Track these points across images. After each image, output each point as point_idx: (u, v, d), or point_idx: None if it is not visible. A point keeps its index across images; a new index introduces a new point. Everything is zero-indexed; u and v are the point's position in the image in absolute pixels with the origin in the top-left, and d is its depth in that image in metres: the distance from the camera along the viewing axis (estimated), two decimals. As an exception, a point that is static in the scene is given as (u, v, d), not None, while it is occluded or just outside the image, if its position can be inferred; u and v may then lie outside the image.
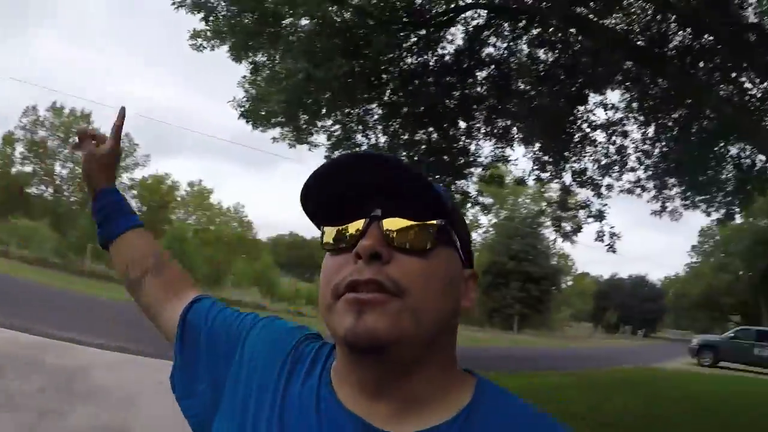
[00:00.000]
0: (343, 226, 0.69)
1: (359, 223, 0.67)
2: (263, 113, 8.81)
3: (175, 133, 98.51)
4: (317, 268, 0.73)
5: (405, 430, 0.66)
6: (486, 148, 10.52)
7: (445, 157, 10.23)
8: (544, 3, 7.98)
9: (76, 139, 1.12)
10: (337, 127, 9.90)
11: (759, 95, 8.27)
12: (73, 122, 42.12)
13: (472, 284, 0.75)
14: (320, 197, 0.71)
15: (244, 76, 9.25)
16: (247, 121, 9.03)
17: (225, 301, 0.98)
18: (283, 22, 8.03)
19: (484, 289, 36.17)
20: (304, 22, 7.76)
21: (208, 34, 8.47)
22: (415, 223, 0.67)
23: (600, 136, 10.32)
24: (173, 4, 8.27)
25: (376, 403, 0.68)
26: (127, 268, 1.04)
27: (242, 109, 9.03)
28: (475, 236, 38.02)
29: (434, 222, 0.67)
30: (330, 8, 7.45)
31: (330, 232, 0.71)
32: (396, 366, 0.67)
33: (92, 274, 19.39)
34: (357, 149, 9.15)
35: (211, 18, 8.13)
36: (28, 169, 43.17)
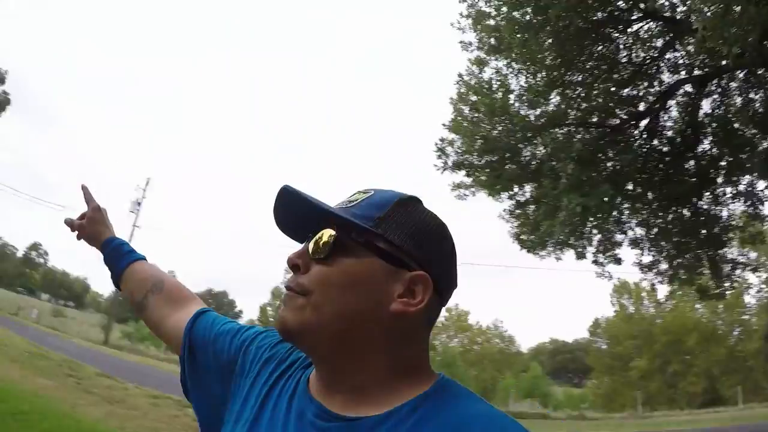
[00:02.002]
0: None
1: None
2: (535, 239, 10.51)
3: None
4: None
5: (354, 416, 0.76)
6: (737, 209, 10.51)
7: (703, 231, 10.50)
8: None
9: (75, 233, 1.30)
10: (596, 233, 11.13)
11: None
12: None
13: (418, 286, 0.78)
14: (287, 230, 0.88)
15: (509, 210, 11.36)
16: (525, 249, 11.02)
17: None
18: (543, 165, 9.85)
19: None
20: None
21: (468, 184, 11.09)
22: (316, 238, 0.79)
23: None
24: (437, 168, 11.02)
25: (332, 394, 0.80)
26: (132, 295, 1.16)
27: (522, 238, 11.08)
28: (748, 299, 32.87)
29: (326, 237, 0.78)
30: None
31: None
32: (326, 358, 0.80)
33: None
34: (617, 248, 10.72)
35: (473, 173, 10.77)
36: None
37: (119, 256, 1.22)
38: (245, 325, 1.04)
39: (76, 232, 1.30)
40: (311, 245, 0.79)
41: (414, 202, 0.84)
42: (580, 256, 11.04)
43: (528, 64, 9.50)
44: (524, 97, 9.95)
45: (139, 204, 35.18)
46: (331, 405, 0.78)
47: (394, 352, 0.78)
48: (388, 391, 0.77)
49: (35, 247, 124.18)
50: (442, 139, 11.74)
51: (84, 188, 1.31)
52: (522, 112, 9.94)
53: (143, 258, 1.24)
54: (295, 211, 0.82)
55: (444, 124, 11.75)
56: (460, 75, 11.11)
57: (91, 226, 1.27)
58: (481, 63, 10.10)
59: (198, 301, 1.14)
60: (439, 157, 11.21)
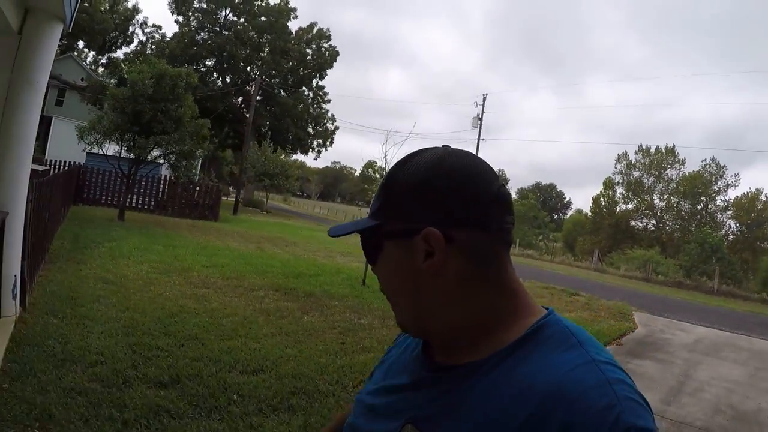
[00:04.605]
0: None
1: None
2: None
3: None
4: None
5: (448, 363, 0.80)
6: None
7: None
8: None
9: None
10: None
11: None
12: (660, 159, 46.85)
13: (431, 243, 0.76)
14: None
15: None
16: None
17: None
18: None
19: None
20: None
21: None
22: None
23: None
24: None
25: (435, 347, 0.85)
26: None
27: None
28: None
29: (366, 244, 0.85)
30: None
31: None
32: (419, 334, 0.86)
33: (720, 292, 22.67)
34: None
35: None
36: (630, 206, 49.95)
37: None
38: None
39: None
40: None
41: (404, 163, 0.82)
42: None
43: None
44: None
45: (480, 119, 39.75)
46: (437, 354, 0.84)
47: (464, 304, 0.77)
48: (484, 336, 0.76)
49: (370, 165, 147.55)
50: None
51: None
52: None
53: None
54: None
55: None
56: None
57: None
58: None
59: None
60: None
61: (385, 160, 10.16)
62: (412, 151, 0.83)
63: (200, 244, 12.62)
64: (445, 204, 0.76)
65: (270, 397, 4.24)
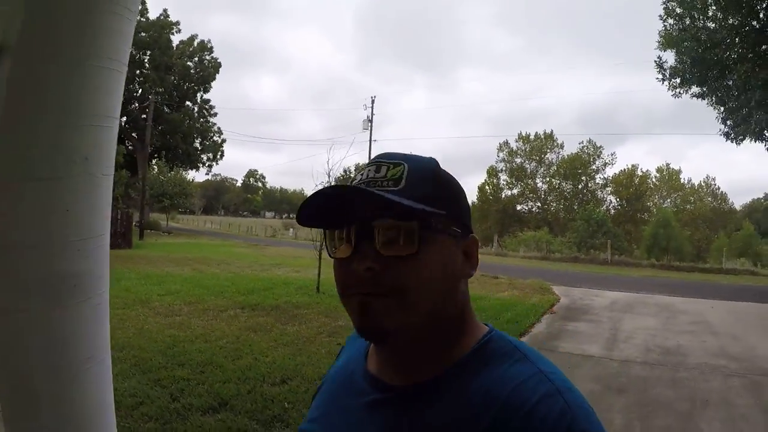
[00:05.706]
0: (338, 232, 0.75)
1: (351, 232, 0.73)
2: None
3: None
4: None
5: (404, 383, 0.75)
6: None
7: None
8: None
9: None
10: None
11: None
12: (540, 145, 50.68)
13: (473, 250, 0.78)
14: (316, 215, 0.76)
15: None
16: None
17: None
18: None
19: None
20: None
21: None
22: (399, 231, 0.70)
23: None
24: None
25: (386, 363, 0.78)
26: None
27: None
28: None
29: (406, 231, 0.70)
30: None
31: (329, 236, 0.76)
32: (405, 345, 0.74)
33: (613, 262, 26.75)
34: None
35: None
36: (515, 191, 53.45)
37: None
38: None
39: None
40: (385, 240, 0.71)
41: (436, 164, 0.79)
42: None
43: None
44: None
45: (370, 121, 40.76)
46: (382, 374, 0.79)
47: (456, 315, 0.77)
48: (438, 355, 0.76)
49: (252, 174, 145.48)
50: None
51: None
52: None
53: None
54: (338, 204, 0.73)
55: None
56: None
57: None
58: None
59: None
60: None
61: (329, 175, 10.67)
62: (414, 153, 0.79)
63: (140, 274, 12.46)
64: (468, 214, 0.81)
65: (315, 400, 4.72)
